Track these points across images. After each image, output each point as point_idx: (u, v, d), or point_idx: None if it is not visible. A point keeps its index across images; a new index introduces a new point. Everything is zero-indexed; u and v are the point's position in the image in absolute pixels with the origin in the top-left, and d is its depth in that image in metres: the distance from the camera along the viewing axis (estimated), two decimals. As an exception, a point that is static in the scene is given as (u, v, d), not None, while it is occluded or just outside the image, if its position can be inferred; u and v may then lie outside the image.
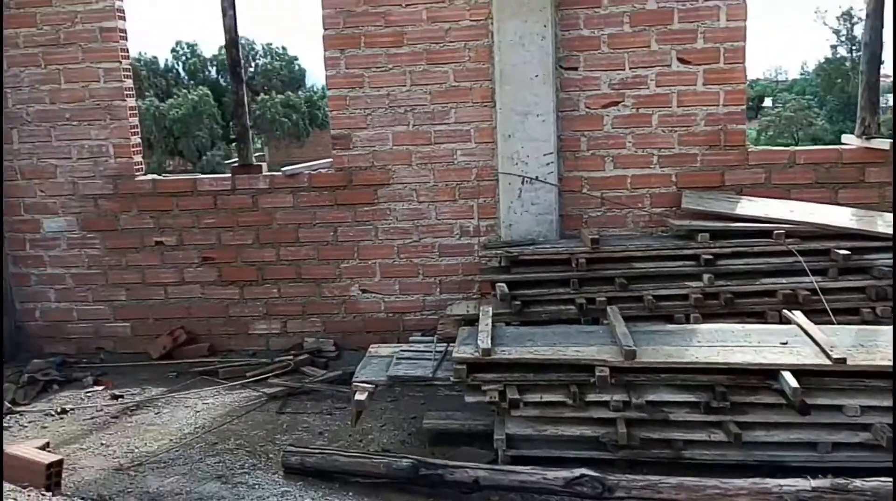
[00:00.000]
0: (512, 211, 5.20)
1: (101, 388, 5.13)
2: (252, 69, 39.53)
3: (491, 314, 4.35)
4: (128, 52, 5.65)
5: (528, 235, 5.17)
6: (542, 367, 3.77)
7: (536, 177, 5.14)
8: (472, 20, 5.20)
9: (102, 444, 4.25)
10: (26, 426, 4.53)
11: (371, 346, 4.57)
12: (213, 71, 38.23)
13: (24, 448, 3.80)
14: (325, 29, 5.32)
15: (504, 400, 3.71)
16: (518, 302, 4.69)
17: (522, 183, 5.15)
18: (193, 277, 5.72)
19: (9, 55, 5.52)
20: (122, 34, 5.55)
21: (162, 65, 39.13)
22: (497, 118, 5.17)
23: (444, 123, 5.34)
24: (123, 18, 5.57)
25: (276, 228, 5.60)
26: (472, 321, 4.54)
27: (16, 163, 5.66)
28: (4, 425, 4.54)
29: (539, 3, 4.98)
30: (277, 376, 5.10)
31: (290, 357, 5.34)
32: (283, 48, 40.69)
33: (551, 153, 5.12)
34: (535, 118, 5.08)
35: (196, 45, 40.14)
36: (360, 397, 3.93)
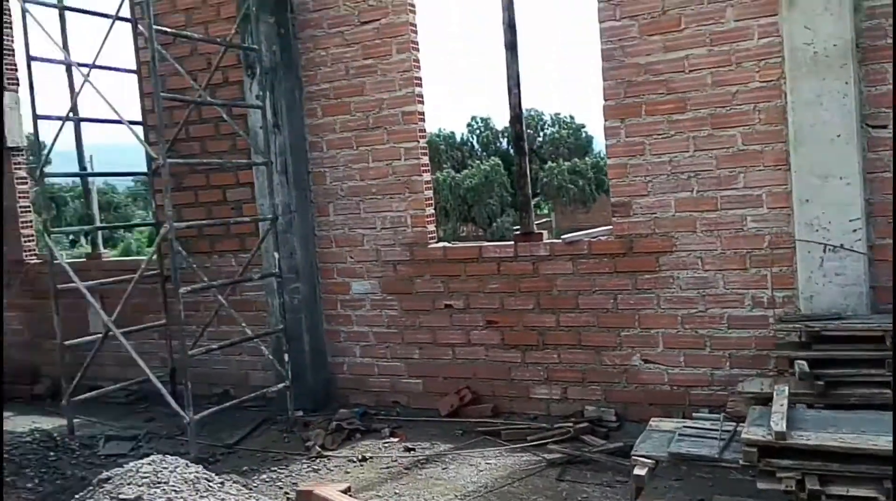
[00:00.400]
0: (812, 281, 4.74)
1: (396, 440, 5.53)
2: (540, 139, 41.06)
3: (787, 393, 3.96)
4: (425, 131, 6.21)
5: (832, 308, 4.67)
6: (849, 457, 3.33)
7: (841, 245, 4.65)
8: (761, 81, 4.93)
9: (396, 493, 4.57)
10: (332, 470, 5.04)
11: (652, 419, 4.40)
12: (504, 142, 40.39)
13: (329, 489, 4.23)
14: (606, 100, 5.40)
15: (803, 491, 3.34)
16: (821, 383, 4.21)
17: (824, 251, 4.69)
18: (478, 339, 6.00)
19: (328, 139, 6.35)
20: (420, 116, 6.12)
21: (458, 138, 42.27)
22: (792, 182, 4.80)
23: (732, 188, 5.07)
24: (422, 102, 6.15)
25: (555, 294, 5.69)
26: (766, 400, 4.17)
27: (331, 233, 6.45)
28: (315, 467, 5.09)
29: (839, 59, 4.59)
30: (557, 442, 5.11)
31: (570, 424, 5.32)
32: (571, 117, 41.88)
33: (858, 219, 4.61)
34: (838, 181, 4.63)
35: (489, 118, 42.81)
36: (639, 472, 3.79)
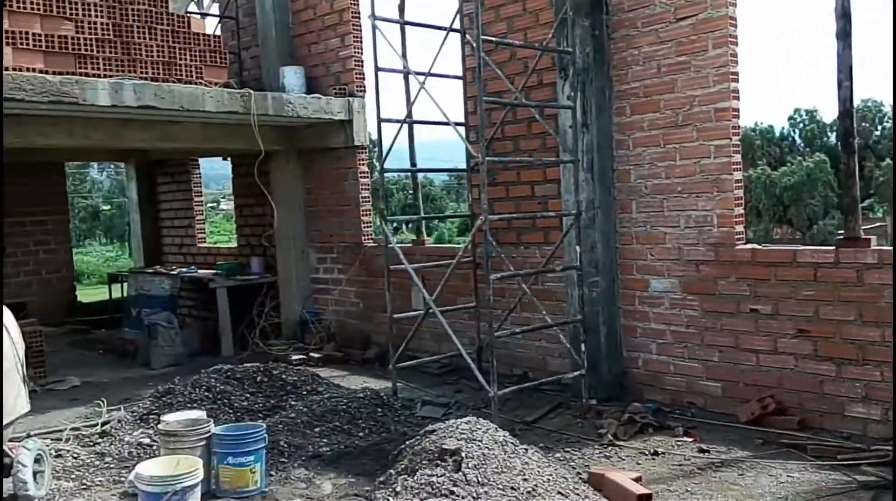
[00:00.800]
0: None
1: (689, 439, 5.47)
2: (877, 133, 36.63)
3: None
4: (738, 128, 6.00)
5: None
6: None
7: None
8: None
9: (687, 490, 4.58)
10: (623, 459, 5.17)
11: None
12: (833, 137, 36.69)
13: (622, 476, 4.39)
14: (956, 90, 4.79)
15: None
16: None
17: None
18: (786, 347, 5.69)
19: (635, 137, 6.43)
20: (734, 113, 5.93)
21: (777, 133, 39.23)
22: None
23: None
24: (737, 98, 5.94)
25: (882, 306, 5.19)
26: None
27: (632, 229, 6.52)
28: (607, 454, 5.27)
29: None
30: (873, 465, 4.70)
31: (890, 448, 4.85)
32: (917, 107, 36.64)
33: None
34: None
35: (815, 111, 39.17)
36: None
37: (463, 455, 3.94)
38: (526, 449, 4.25)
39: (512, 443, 4.21)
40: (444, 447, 4.04)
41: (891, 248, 5.27)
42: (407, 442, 4.56)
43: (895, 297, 4.84)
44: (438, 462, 3.99)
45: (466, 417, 4.58)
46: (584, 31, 6.36)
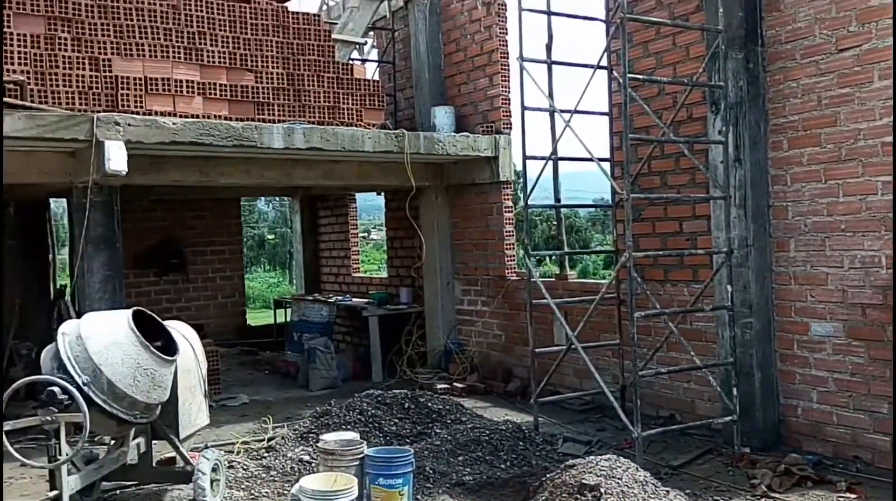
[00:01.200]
0: None
1: (853, 496, 5.10)
2: None
3: None
4: (907, 162, 5.61)
5: None
6: None
7: None
8: None
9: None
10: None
11: None
12: None
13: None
14: None
15: None
16: None
17: None
18: (966, 401, 5.20)
19: (792, 172, 6.14)
20: (909, 148, 5.56)
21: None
22: None
23: None
24: (909, 131, 5.58)
25: None
26: None
27: (790, 269, 6.20)
28: (784, 499, 5.02)
29: None
30: None
31: None
32: None
33: None
34: None
35: None
36: None
37: (602, 490, 3.96)
38: (668, 492, 4.17)
39: (653, 484, 4.16)
40: (584, 482, 4.09)
41: None
42: (547, 475, 4.63)
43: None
44: (578, 495, 4.05)
45: (607, 455, 4.55)
46: (738, 65, 6.20)
